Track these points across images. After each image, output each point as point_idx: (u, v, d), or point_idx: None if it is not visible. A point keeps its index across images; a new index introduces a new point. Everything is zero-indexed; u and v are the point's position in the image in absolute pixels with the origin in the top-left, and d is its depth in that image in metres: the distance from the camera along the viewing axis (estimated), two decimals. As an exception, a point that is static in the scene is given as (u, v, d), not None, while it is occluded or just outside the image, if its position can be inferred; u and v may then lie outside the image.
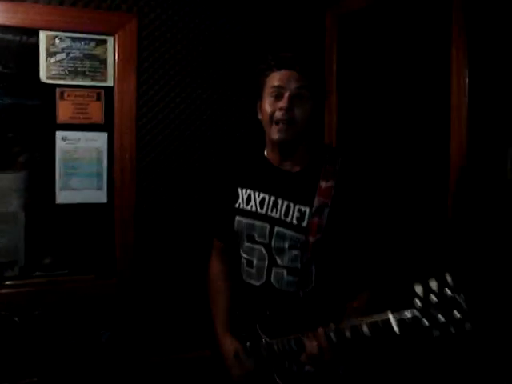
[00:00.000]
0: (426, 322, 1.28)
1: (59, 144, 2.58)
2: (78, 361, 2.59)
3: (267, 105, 1.68)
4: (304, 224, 1.67)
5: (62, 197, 2.61)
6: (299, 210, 1.69)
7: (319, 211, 1.64)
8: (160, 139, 2.76)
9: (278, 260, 1.73)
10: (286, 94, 1.63)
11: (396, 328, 1.33)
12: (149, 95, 2.72)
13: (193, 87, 2.80)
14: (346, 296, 1.71)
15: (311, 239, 1.65)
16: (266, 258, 1.75)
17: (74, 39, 2.58)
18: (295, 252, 1.69)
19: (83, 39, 2.59)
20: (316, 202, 1.65)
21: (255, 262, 1.78)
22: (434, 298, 1.26)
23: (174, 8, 2.73)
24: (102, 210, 2.68)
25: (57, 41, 2.55)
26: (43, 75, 2.54)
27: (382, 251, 1.72)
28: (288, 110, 1.62)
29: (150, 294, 2.77)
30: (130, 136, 2.69)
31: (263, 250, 1.75)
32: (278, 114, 1.64)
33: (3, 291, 2.53)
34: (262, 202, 1.76)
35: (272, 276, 1.74)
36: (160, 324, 2.80)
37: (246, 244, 1.80)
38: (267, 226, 1.74)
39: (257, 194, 1.78)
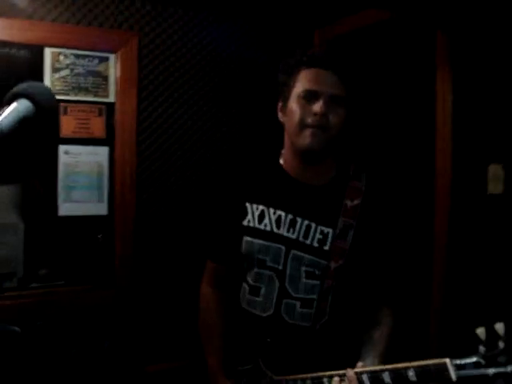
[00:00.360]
0: (491, 371, 1.08)
1: (62, 157, 2.65)
2: (79, 370, 2.64)
3: (297, 107, 1.45)
4: (326, 247, 1.47)
5: (64, 209, 2.67)
6: (321, 232, 1.48)
7: (343, 233, 1.46)
8: (159, 154, 2.85)
9: (291, 291, 1.50)
10: (322, 98, 1.42)
11: (453, 375, 1.10)
12: (149, 111, 2.82)
13: (190, 104, 2.91)
14: (363, 325, 1.53)
15: (333, 265, 1.45)
16: (277, 287, 1.51)
17: (77, 56, 2.65)
18: (312, 282, 1.48)
19: (87, 56, 2.67)
20: (340, 223, 1.46)
21: (263, 290, 1.53)
22: (501, 343, 1.09)
23: (174, 27, 2.84)
24: (102, 222, 2.75)
25: (61, 57, 2.62)
26: (48, 91, 2.60)
27: (404, 273, 1.60)
28: (323, 115, 1.42)
29: (148, 305, 2.84)
30: (131, 150, 2.77)
31: (274, 277, 1.51)
32: (312, 119, 1.42)
33: (2, 302, 2.57)
34: (278, 221, 1.51)
35: (282, 308, 1.50)
36: (158, 333, 2.87)
37: (256, 269, 1.55)
38: (283, 248, 1.50)
39: (271, 210, 1.52)
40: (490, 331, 1.10)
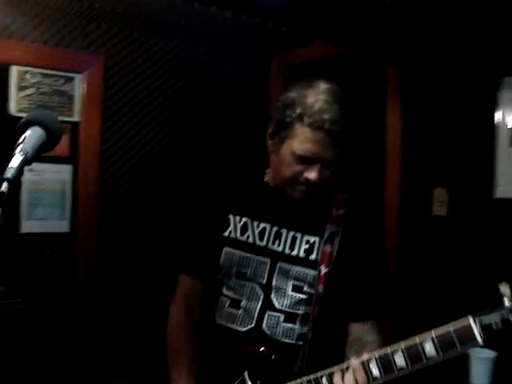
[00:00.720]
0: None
1: (25, 175, 2.64)
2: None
3: (290, 163, 1.39)
4: (313, 257, 1.45)
5: (27, 226, 2.67)
6: (307, 241, 1.46)
7: (331, 240, 1.45)
8: (122, 173, 2.91)
9: (276, 302, 1.44)
10: (318, 165, 1.37)
11: (479, 336, 1.03)
12: (112, 131, 2.88)
13: (154, 125, 2.99)
14: (348, 343, 1.45)
15: (323, 270, 1.43)
16: (261, 298, 1.45)
17: (44, 75, 2.69)
18: (299, 295, 1.44)
19: (53, 76, 2.71)
20: (327, 231, 1.45)
21: (243, 303, 1.46)
22: None
23: (140, 50, 2.93)
24: (64, 240, 2.77)
25: (27, 76, 2.65)
26: (13, 108, 2.62)
27: (388, 282, 1.52)
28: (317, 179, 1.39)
29: (108, 322, 2.87)
30: (94, 169, 2.82)
31: (258, 288, 1.46)
32: (304, 180, 1.39)
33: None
34: (261, 233, 1.48)
35: (264, 321, 1.44)
36: (118, 350, 2.90)
37: (235, 281, 1.49)
38: (268, 261, 1.46)
39: (255, 223, 1.49)
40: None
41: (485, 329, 1.03)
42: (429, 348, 1.05)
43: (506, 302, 1.04)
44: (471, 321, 1.03)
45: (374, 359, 1.13)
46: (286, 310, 1.44)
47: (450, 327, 1.04)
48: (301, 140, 1.36)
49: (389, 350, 1.11)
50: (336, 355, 1.39)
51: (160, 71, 3.00)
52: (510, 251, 2.37)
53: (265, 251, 1.47)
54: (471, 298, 2.50)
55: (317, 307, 1.43)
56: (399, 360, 1.08)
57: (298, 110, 1.35)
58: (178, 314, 1.59)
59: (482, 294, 2.49)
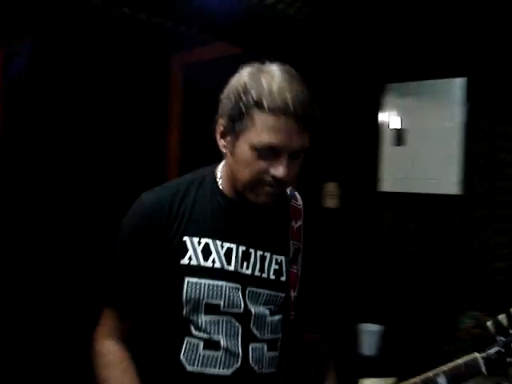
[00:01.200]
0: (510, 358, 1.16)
1: None
2: None
3: (251, 159, 1.17)
4: (283, 278, 1.29)
5: None
6: (276, 261, 1.29)
7: (295, 258, 1.30)
8: None
9: (257, 333, 1.27)
10: (283, 154, 1.16)
11: (484, 368, 1.14)
12: None
13: None
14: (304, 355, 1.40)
15: (293, 294, 1.30)
16: (239, 331, 1.25)
17: None
18: (276, 318, 1.30)
19: None
20: (292, 248, 1.30)
21: (223, 342, 1.23)
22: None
23: None
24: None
25: None
26: None
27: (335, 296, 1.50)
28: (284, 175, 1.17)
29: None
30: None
31: (234, 320, 1.24)
32: (269, 179, 1.17)
33: None
34: (228, 255, 1.25)
35: (251, 356, 1.25)
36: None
37: (205, 317, 1.23)
38: (239, 287, 1.25)
39: (218, 243, 1.25)
40: (497, 323, 1.16)
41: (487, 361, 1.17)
42: (442, 381, 1.17)
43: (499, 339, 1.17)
44: (478, 357, 1.16)
45: None
46: (269, 337, 1.28)
47: (460, 361, 1.17)
48: (261, 130, 1.14)
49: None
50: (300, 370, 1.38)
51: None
52: (393, 239, 2.67)
53: (235, 276, 1.25)
54: (358, 288, 2.77)
55: (289, 329, 1.32)
56: None
57: (255, 95, 1.13)
58: (112, 346, 1.29)
59: (370, 281, 2.77)
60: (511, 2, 2.29)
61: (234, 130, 1.19)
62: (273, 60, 1.20)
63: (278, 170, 1.15)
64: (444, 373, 1.16)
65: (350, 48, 2.78)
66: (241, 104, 1.16)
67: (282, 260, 1.30)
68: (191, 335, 1.24)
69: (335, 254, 1.47)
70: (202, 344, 1.24)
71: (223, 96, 1.21)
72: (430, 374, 1.17)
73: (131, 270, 1.27)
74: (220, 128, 1.23)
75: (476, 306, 2.24)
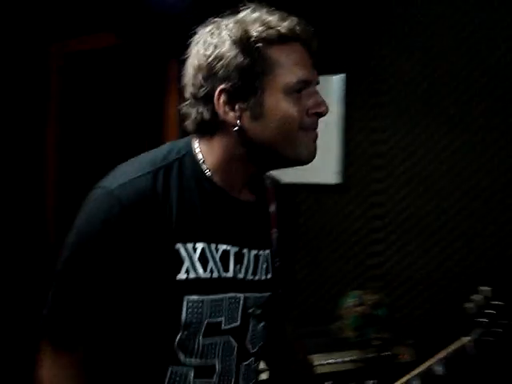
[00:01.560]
0: (491, 338, 1.24)
1: None
2: None
3: (290, 105, 0.98)
4: (269, 276, 1.12)
5: None
6: (265, 258, 1.12)
7: (277, 249, 1.14)
8: None
9: (250, 347, 1.10)
10: (313, 87, 1.03)
11: (474, 350, 1.22)
12: None
13: None
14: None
15: (278, 291, 1.14)
16: (235, 351, 1.07)
17: None
18: (263, 322, 1.13)
19: None
20: (273, 238, 1.14)
21: (218, 366, 1.04)
22: (490, 311, 1.25)
23: None
24: None
25: None
26: None
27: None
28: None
29: None
30: None
31: (231, 339, 1.06)
32: (312, 119, 1.03)
33: None
34: (224, 260, 1.04)
35: (241, 376, 1.09)
36: None
37: (203, 340, 1.02)
38: (238, 296, 1.06)
39: (213, 247, 1.03)
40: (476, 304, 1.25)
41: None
42: (438, 368, 1.23)
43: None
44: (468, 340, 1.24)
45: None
46: (257, 349, 1.13)
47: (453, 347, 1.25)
48: (290, 67, 0.98)
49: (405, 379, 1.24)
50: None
51: None
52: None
53: (233, 284, 1.05)
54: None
55: (270, 331, 1.18)
56: None
57: (263, 32, 0.97)
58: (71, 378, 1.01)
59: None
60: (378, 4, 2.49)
61: (254, 85, 0.97)
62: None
63: (323, 104, 1.02)
64: (440, 360, 1.21)
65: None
66: (251, 51, 0.96)
67: (268, 255, 1.12)
68: (179, 363, 1.00)
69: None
70: (192, 372, 1.01)
71: (210, 61, 0.98)
72: (428, 363, 1.23)
73: (99, 298, 0.97)
74: (221, 99, 0.98)
75: (357, 286, 2.40)
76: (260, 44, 0.96)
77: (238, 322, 1.06)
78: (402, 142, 2.45)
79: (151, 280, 0.96)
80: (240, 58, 0.96)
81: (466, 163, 2.31)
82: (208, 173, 1.03)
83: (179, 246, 0.98)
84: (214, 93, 0.98)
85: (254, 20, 0.98)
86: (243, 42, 0.96)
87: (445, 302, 2.31)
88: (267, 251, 1.12)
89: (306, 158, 1.04)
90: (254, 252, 1.09)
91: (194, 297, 0.99)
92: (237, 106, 0.98)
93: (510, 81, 2.23)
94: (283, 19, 0.98)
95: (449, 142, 2.35)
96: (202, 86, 0.99)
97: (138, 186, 0.96)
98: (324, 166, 2.61)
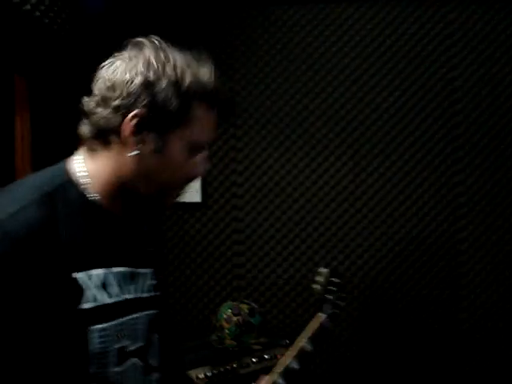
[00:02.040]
0: (338, 310, 1.50)
1: None
2: None
3: (184, 157, 1.01)
4: (158, 292, 1.15)
5: None
6: (152, 275, 1.14)
7: (156, 266, 1.17)
8: None
9: (154, 362, 1.11)
10: (206, 150, 1.07)
11: (329, 323, 1.44)
12: None
13: None
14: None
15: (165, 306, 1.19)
16: (141, 371, 1.07)
17: None
18: (157, 337, 1.13)
19: None
20: (152, 255, 1.17)
21: None
22: (332, 288, 1.53)
23: None
24: None
25: None
26: None
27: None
28: None
29: None
30: None
31: (138, 360, 1.05)
32: (193, 177, 1.05)
33: None
34: (121, 281, 1.03)
35: None
36: None
37: (114, 368, 0.99)
38: (141, 315, 1.08)
39: (109, 271, 1.01)
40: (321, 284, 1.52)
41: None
42: (308, 347, 1.42)
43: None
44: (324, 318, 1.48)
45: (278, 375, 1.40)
46: (159, 364, 1.13)
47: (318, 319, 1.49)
48: (203, 126, 1.01)
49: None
50: None
51: None
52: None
53: (133, 305, 1.06)
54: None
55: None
56: (295, 365, 1.41)
57: (195, 87, 0.98)
58: None
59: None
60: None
61: (164, 124, 0.98)
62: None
63: (205, 166, 1.06)
64: (309, 338, 1.40)
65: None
66: (183, 99, 0.97)
67: (152, 272, 1.14)
68: None
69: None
70: None
71: (141, 81, 0.96)
72: (300, 343, 1.41)
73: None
74: (133, 121, 0.96)
75: (225, 297, 2.57)
76: (193, 97, 0.97)
77: (142, 342, 1.06)
78: (257, 159, 2.68)
79: (53, 314, 0.90)
80: (171, 99, 0.96)
81: (317, 176, 2.65)
82: (93, 198, 1.01)
83: (76, 275, 0.94)
84: (129, 111, 0.96)
85: (193, 69, 0.98)
86: (178, 87, 0.96)
87: (308, 299, 2.61)
88: (152, 269, 1.13)
89: (168, 204, 1.07)
90: (143, 271, 1.10)
91: (98, 326, 0.96)
92: (143, 134, 0.97)
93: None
94: (214, 83, 1.01)
95: (302, 157, 2.66)
96: (120, 98, 0.96)
97: (26, 216, 0.91)
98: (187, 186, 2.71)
